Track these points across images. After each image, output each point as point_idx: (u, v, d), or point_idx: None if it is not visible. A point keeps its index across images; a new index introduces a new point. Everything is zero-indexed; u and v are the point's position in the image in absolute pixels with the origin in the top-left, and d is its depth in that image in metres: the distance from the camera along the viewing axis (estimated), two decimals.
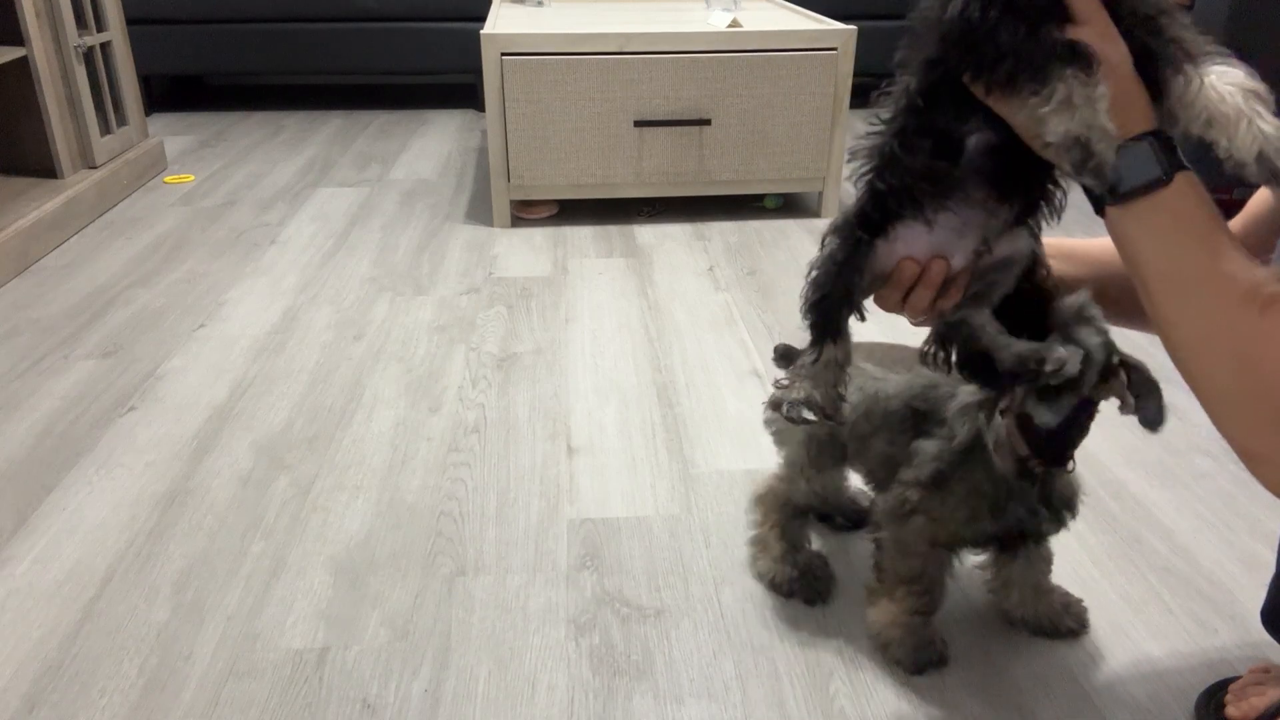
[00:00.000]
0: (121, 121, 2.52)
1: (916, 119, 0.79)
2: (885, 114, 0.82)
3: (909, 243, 0.83)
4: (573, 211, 2.38)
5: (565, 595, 1.11)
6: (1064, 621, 1.05)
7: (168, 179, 2.64)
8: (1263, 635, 0.94)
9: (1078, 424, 0.90)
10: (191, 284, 1.96)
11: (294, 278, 2.00)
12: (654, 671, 1.00)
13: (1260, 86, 0.70)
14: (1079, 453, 0.93)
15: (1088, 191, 0.73)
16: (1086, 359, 0.84)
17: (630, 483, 1.32)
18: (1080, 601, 1.07)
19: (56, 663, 1.01)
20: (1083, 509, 1.24)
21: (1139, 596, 1.10)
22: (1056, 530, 0.98)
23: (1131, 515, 1.25)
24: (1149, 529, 1.22)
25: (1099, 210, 0.73)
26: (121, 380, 1.58)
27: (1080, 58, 0.68)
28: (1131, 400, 0.88)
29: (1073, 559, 1.16)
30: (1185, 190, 0.70)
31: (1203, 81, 0.71)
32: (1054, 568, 1.08)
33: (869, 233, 0.83)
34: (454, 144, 3.04)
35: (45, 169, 2.27)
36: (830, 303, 0.85)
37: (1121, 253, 0.73)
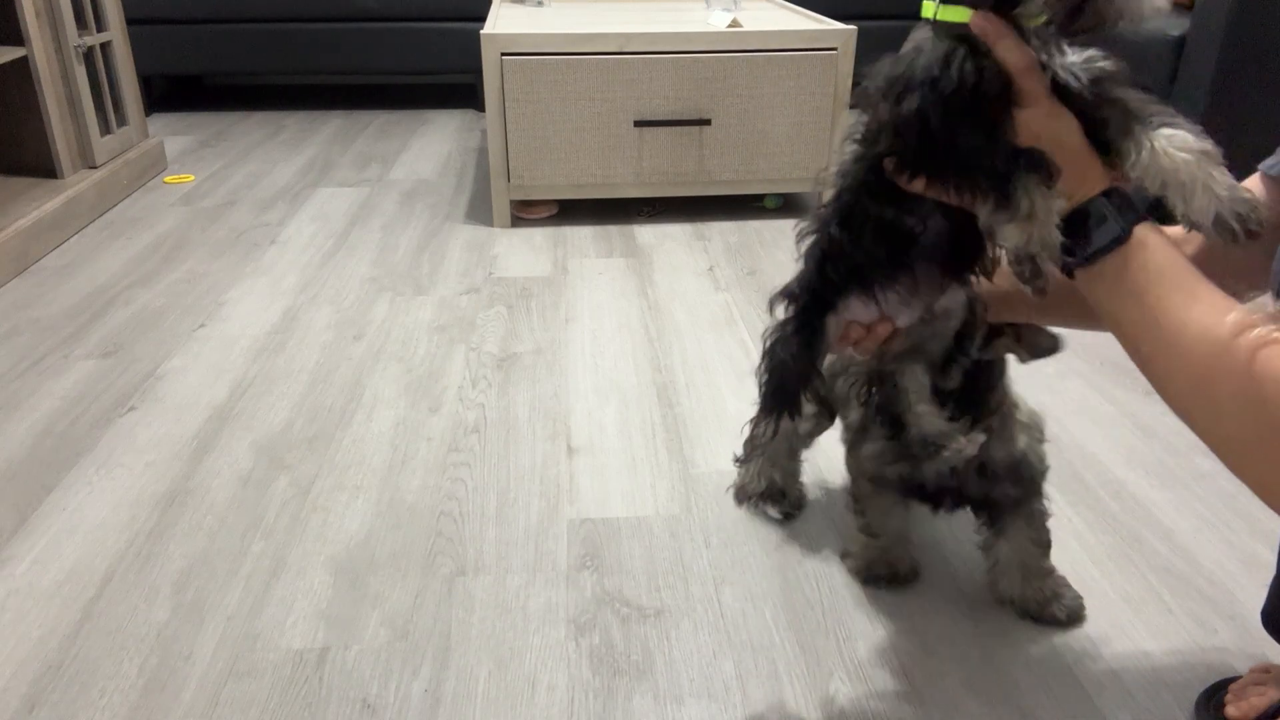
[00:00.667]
0: (121, 121, 2.52)
1: (863, 205, 0.81)
2: (830, 188, 0.84)
3: (856, 312, 0.88)
4: (573, 211, 2.38)
5: (565, 595, 1.11)
6: (1050, 608, 1.06)
7: (168, 179, 2.64)
8: (1263, 635, 0.94)
9: (978, 385, 0.95)
10: (191, 284, 1.97)
11: (294, 278, 2.00)
12: (654, 671, 1.00)
13: (1209, 146, 0.71)
14: (1079, 450, 0.93)
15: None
16: (970, 307, 0.90)
17: (630, 483, 1.32)
18: (1079, 597, 1.08)
19: (56, 663, 1.01)
20: (1083, 509, 1.25)
21: (1139, 596, 1.10)
22: (1015, 502, 1.02)
23: (1131, 515, 1.25)
24: (1149, 529, 1.22)
25: (1069, 274, 0.73)
26: (121, 380, 1.58)
27: (1042, 168, 0.70)
28: (1024, 353, 0.94)
29: (1073, 559, 1.16)
30: (1146, 239, 0.70)
31: (1153, 146, 0.72)
32: (1057, 567, 1.08)
33: (820, 313, 0.87)
34: (454, 144, 3.04)
35: (45, 169, 2.27)
36: (788, 390, 0.91)
37: (1100, 314, 0.73)
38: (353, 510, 1.26)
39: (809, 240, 0.87)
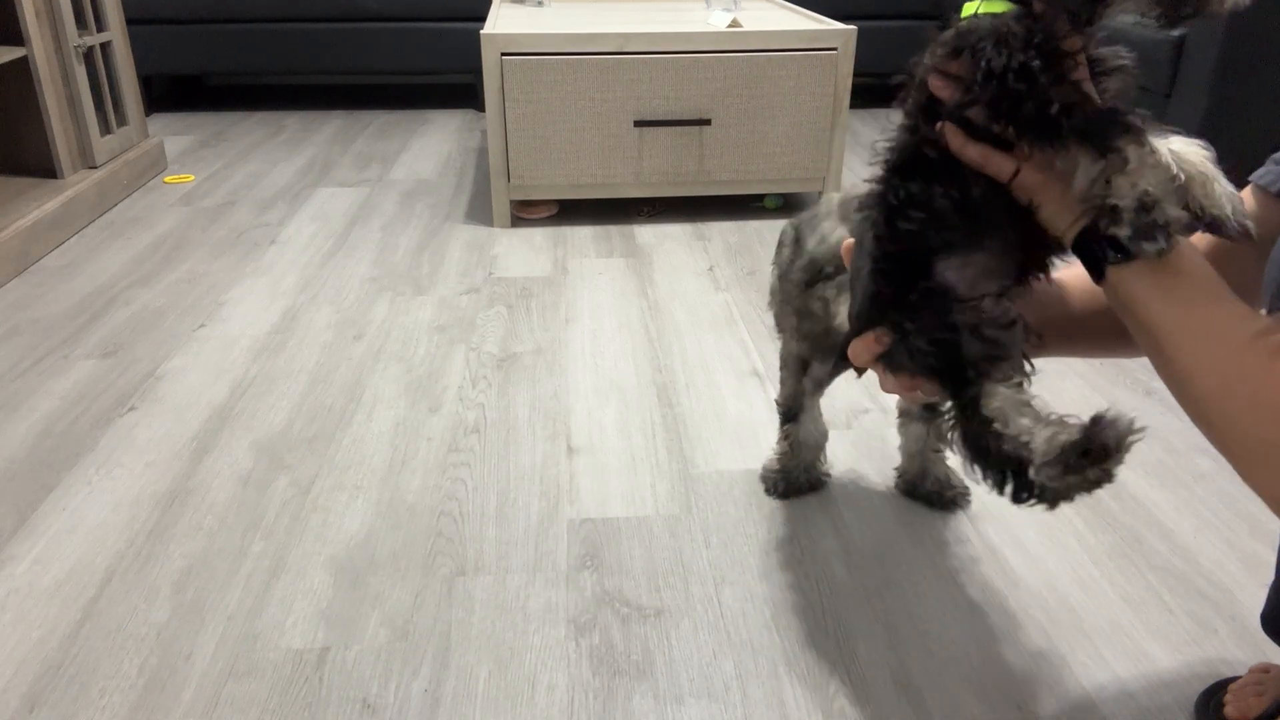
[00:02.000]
0: (121, 121, 2.52)
1: (931, 167, 0.79)
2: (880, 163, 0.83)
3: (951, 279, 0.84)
4: (573, 211, 2.38)
5: (565, 595, 1.11)
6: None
7: (168, 179, 2.64)
8: (1263, 635, 0.94)
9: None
10: (191, 284, 1.97)
11: (294, 278, 2.00)
12: (654, 671, 1.00)
13: (1212, 154, 0.72)
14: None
15: (1087, 258, 0.73)
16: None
17: (630, 483, 1.32)
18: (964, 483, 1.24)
19: (56, 663, 1.01)
20: (1083, 509, 1.25)
21: (1139, 596, 1.10)
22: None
23: (1131, 515, 1.25)
24: (1149, 529, 1.22)
25: (1099, 277, 0.73)
26: (121, 380, 1.58)
27: (1135, 127, 0.69)
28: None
29: (1073, 559, 1.16)
30: (1182, 243, 0.71)
31: (1170, 148, 0.72)
32: (1053, 567, 1.08)
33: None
34: (454, 144, 3.04)
35: (45, 169, 2.27)
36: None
37: (1128, 315, 0.73)
38: (353, 510, 1.26)
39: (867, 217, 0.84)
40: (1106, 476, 0.75)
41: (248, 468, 1.35)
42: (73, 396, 1.53)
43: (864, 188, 0.87)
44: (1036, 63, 0.71)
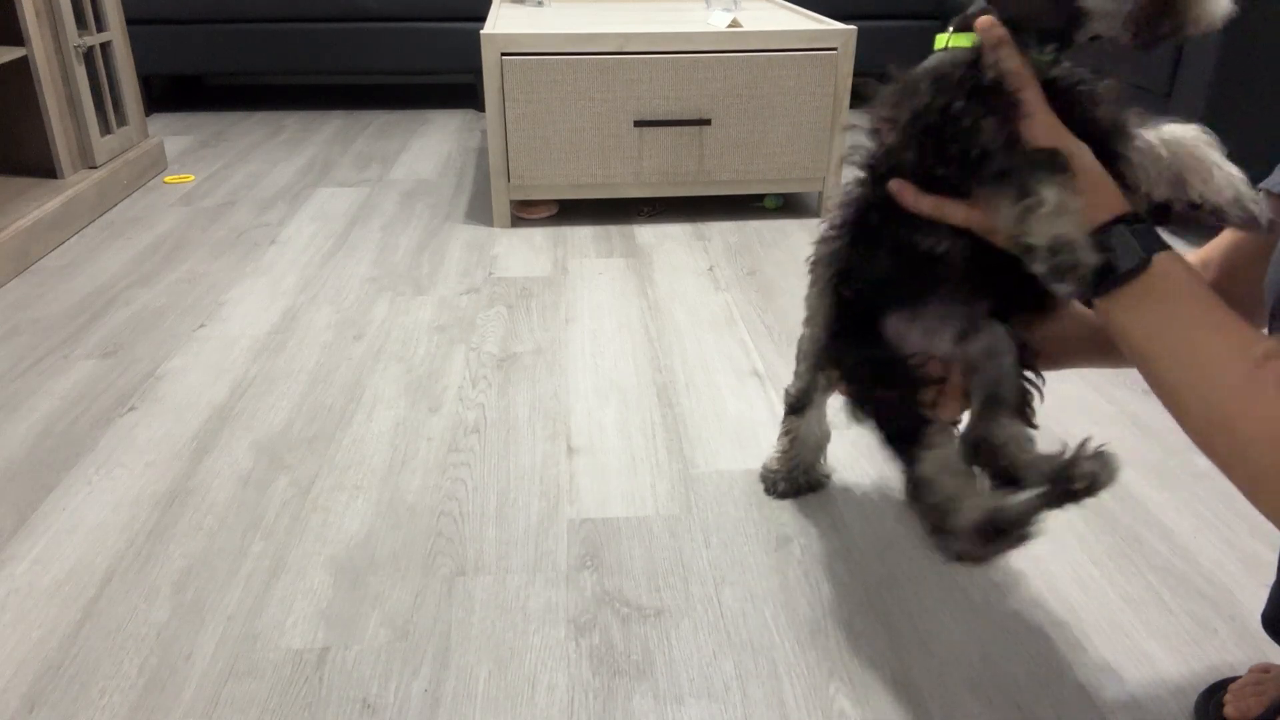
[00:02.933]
0: (121, 121, 2.52)
1: (873, 231, 0.80)
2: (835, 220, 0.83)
3: (901, 333, 0.86)
4: (573, 211, 2.38)
5: (565, 595, 1.11)
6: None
7: (168, 179, 2.64)
8: (1263, 635, 0.94)
9: None
10: (191, 284, 1.97)
11: (294, 278, 2.00)
12: (654, 671, 1.00)
13: (1214, 138, 0.70)
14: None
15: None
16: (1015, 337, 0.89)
17: (630, 483, 1.32)
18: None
19: (56, 663, 1.01)
20: (1083, 509, 1.25)
21: (1139, 596, 1.10)
22: None
23: (1131, 515, 1.25)
24: (1149, 529, 1.22)
25: (1089, 304, 0.72)
26: (121, 380, 1.58)
27: (1060, 166, 0.69)
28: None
29: (1073, 559, 1.16)
30: (1169, 269, 0.68)
31: (1162, 139, 0.70)
32: (1053, 567, 1.08)
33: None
34: (454, 144, 3.04)
35: (45, 169, 2.27)
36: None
37: (1121, 345, 0.71)
38: (353, 510, 1.26)
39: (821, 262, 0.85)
40: (1022, 542, 0.81)
41: (248, 468, 1.35)
42: (73, 396, 1.53)
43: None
44: (958, 104, 0.71)
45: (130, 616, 1.07)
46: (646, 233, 2.28)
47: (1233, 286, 0.81)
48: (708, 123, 2.24)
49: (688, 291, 1.95)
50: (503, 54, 2.12)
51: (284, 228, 2.29)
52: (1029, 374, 0.89)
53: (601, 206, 2.39)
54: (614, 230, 2.30)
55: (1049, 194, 0.68)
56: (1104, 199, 0.71)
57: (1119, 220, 0.70)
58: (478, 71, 2.30)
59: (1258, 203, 0.68)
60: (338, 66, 3.31)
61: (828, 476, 1.31)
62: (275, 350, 1.68)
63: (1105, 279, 0.70)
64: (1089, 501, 1.26)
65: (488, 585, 1.12)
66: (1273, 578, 0.92)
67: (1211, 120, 2.27)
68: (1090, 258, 0.68)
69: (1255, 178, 0.81)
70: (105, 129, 2.43)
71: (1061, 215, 0.68)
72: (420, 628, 1.06)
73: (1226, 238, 0.87)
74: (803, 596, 1.11)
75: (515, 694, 0.97)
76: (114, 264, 2.06)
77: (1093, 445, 0.85)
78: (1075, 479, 0.83)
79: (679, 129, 2.24)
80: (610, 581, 1.13)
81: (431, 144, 3.04)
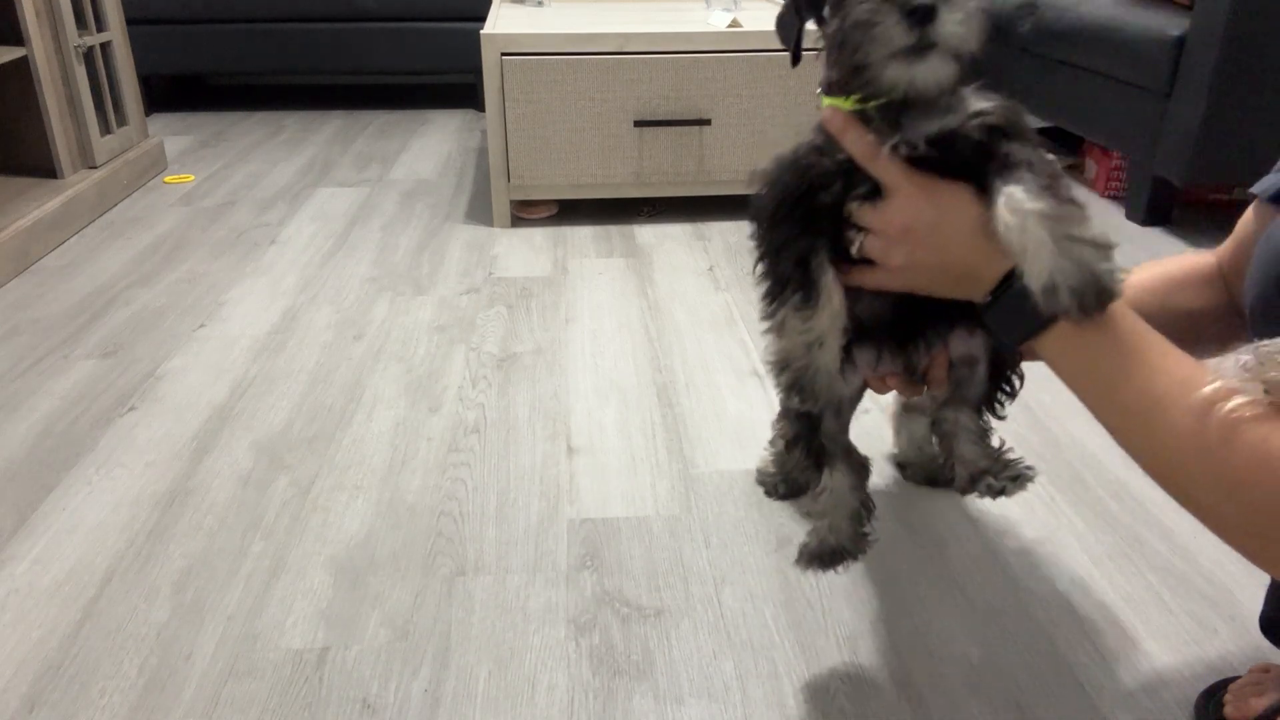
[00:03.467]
0: (121, 121, 2.52)
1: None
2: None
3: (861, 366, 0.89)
4: (573, 211, 2.38)
5: (565, 595, 1.11)
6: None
7: (168, 179, 2.64)
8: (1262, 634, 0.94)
9: None
10: (191, 284, 1.97)
11: (294, 278, 2.00)
12: (654, 671, 1.00)
13: (1058, 206, 0.66)
14: (1079, 450, 0.93)
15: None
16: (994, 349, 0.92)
17: (630, 483, 1.32)
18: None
19: (56, 663, 1.01)
20: (1083, 509, 1.25)
21: (1139, 596, 1.10)
22: None
23: (1131, 515, 1.25)
24: (1149, 529, 1.22)
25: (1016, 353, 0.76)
26: (121, 380, 1.58)
27: (806, 286, 0.75)
28: None
29: (1073, 559, 1.16)
30: (1087, 352, 0.67)
31: (998, 204, 0.68)
32: (1053, 567, 1.08)
33: None
34: (454, 144, 3.04)
35: (45, 169, 2.27)
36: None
37: (1064, 382, 0.71)
38: (353, 510, 1.26)
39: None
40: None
41: (248, 468, 1.35)
42: (73, 396, 1.53)
43: None
44: (823, 195, 0.74)
45: (130, 616, 1.07)
46: (646, 233, 2.28)
47: (1237, 280, 0.82)
48: (708, 123, 2.24)
49: (688, 291, 1.95)
50: (503, 54, 2.12)
51: (284, 228, 2.29)
52: (1004, 378, 0.91)
53: (601, 206, 2.39)
54: (614, 230, 2.30)
55: (779, 314, 0.75)
56: (987, 256, 0.69)
57: (1007, 280, 0.69)
58: (478, 71, 2.30)
59: (1103, 288, 0.64)
60: (338, 66, 3.31)
61: None
62: (275, 350, 1.68)
63: (1011, 337, 0.71)
64: (1090, 501, 1.27)
65: (488, 585, 1.12)
66: (1269, 583, 0.92)
67: (1212, 120, 2.27)
68: (992, 322, 0.70)
69: (1258, 176, 0.81)
70: (105, 129, 2.43)
71: (781, 335, 0.76)
72: (420, 628, 1.06)
73: (1244, 227, 0.87)
74: (803, 596, 1.11)
75: (515, 694, 0.97)
76: (114, 264, 2.06)
77: (1012, 460, 0.90)
78: (986, 488, 0.89)
79: (679, 129, 2.24)
80: (610, 581, 1.13)
81: (431, 144, 3.04)
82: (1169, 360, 0.64)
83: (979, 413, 0.91)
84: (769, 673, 1.00)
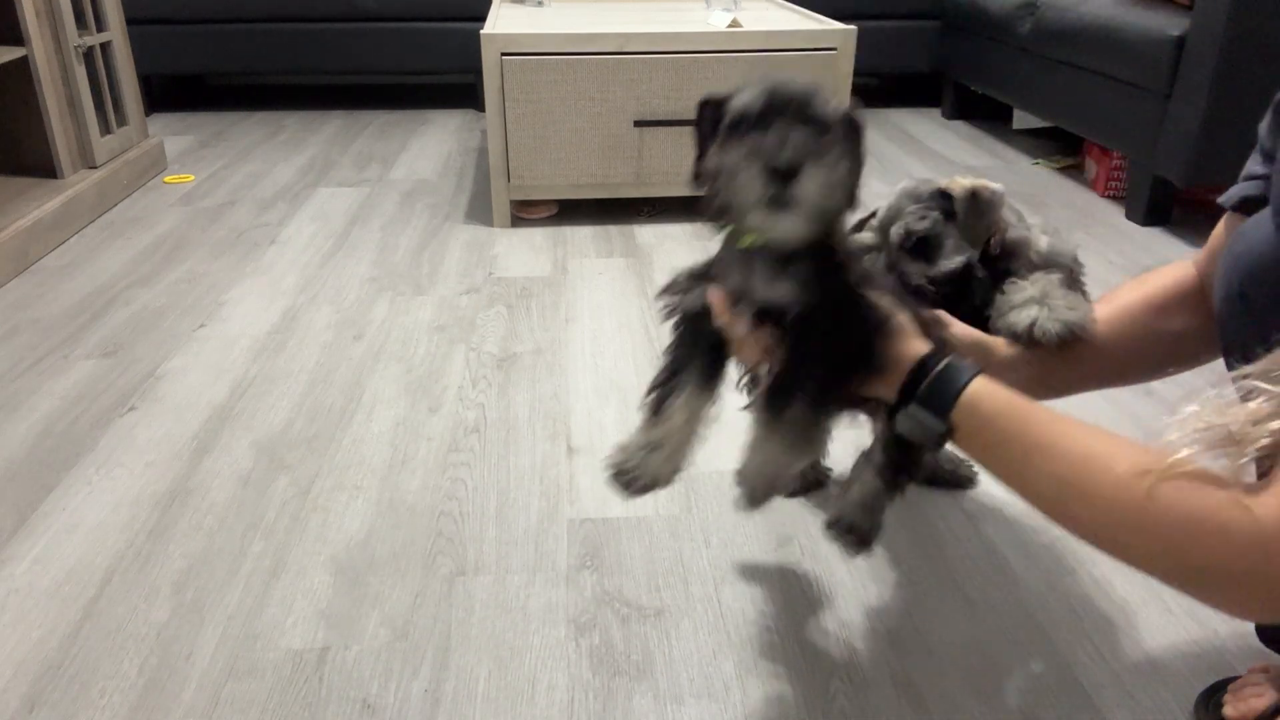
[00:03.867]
0: (121, 121, 2.52)
1: None
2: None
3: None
4: (573, 211, 2.38)
5: (565, 595, 1.11)
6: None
7: (168, 179, 2.64)
8: None
9: None
10: (191, 284, 1.97)
11: (294, 278, 2.00)
12: (654, 671, 1.00)
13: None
14: None
15: None
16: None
17: None
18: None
19: (56, 663, 1.01)
20: None
21: (1139, 596, 1.10)
22: None
23: None
24: None
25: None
26: (121, 380, 1.58)
27: (661, 399, 0.90)
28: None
29: (1073, 559, 1.16)
30: (981, 421, 0.72)
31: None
32: (1053, 567, 1.08)
33: None
34: (454, 144, 3.04)
35: (45, 169, 2.27)
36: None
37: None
38: (353, 510, 1.26)
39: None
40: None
41: (248, 468, 1.35)
42: (73, 396, 1.53)
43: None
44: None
45: (130, 616, 1.07)
46: (646, 233, 2.28)
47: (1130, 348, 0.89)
48: None
49: None
50: (503, 54, 2.12)
51: (284, 228, 2.29)
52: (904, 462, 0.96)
53: (601, 206, 2.39)
54: (614, 230, 2.30)
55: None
56: (897, 370, 0.76)
57: (909, 388, 0.75)
58: (478, 71, 2.30)
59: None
60: (338, 66, 3.31)
61: (828, 475, 1.31)
62: (275, 350, 1.68)
63: (924, 442, 0.76)
64: None
65: (488, 585, 1.12)
66: None
67: (1212, 120, 2.27)
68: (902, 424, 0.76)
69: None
70: (105, 129, 2.43)
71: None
72: (420, 628, 1.06)
73: (1216, 239, 0.88)
74: (803, 596, 1.11)
75: (515, 694, 0.97)
76: (114, 264, 2.06)
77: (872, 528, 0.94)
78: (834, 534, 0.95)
79: (679, 129, 2.24)
80: (610, 581, 1.13)
81: (431, 144, 3.04)
82: (1072, 439, 0.69)
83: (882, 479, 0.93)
84: (769, 673, 1.00)
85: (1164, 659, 1.01)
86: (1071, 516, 0.69)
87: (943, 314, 0.93)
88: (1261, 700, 0.89)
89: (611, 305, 1.88)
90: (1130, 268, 2.03)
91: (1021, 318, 0.91)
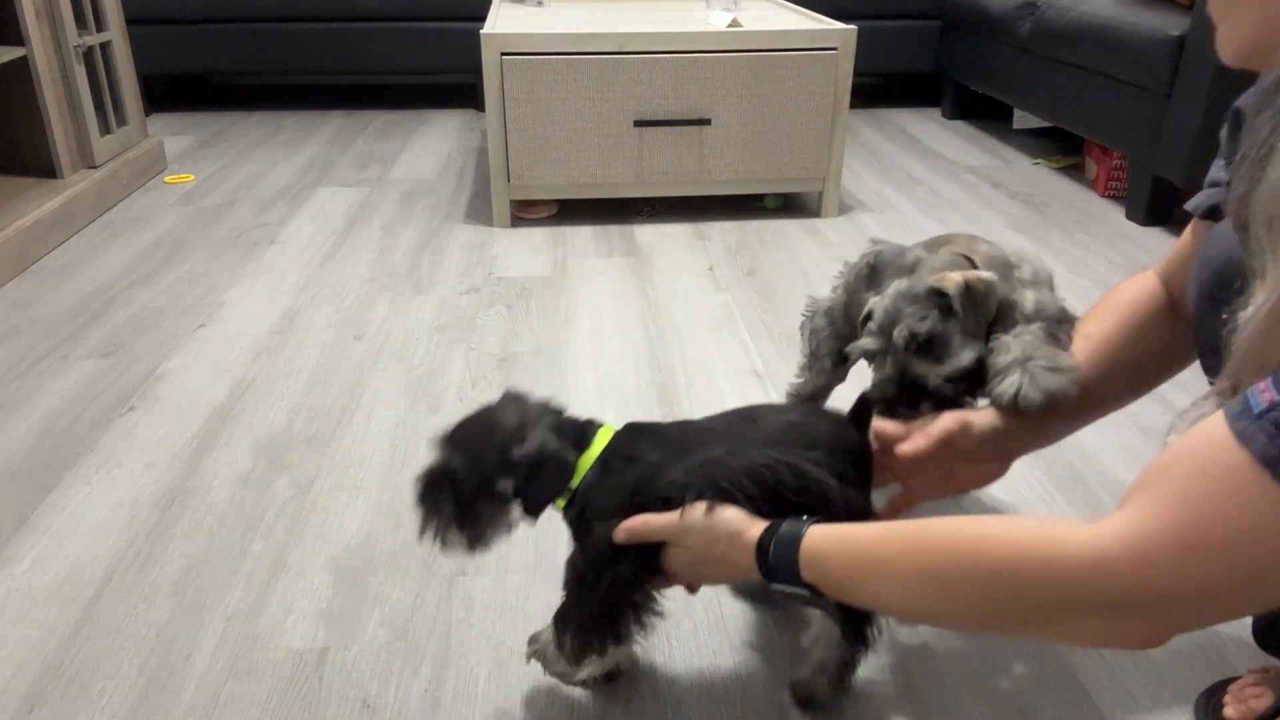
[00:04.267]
0: (121, 121, 2.52)
1: None
2: None
3: None
4: (573, 211, 2.38)
5: None
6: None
7: (168, 179, 2.64)
8: None
9: None
10: (191, 284, 1.97)
11: (294, 278, 2.00)
12: (654, 671, 1.00)
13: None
14: (1079, 450, 0.93)
15: None
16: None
17: None
18: None
19: (56, 663, 1.01)
20: (1083, 509, 1.25)
21: None
22: None
23: None
24: None
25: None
26: (121, 380, 1.58)
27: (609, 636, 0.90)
28: None
29: None
30: (824, 566, 0.76)
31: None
32: None
33: None
34: (454, 144, 3.04)
35: (45, 169, 2.27)
36: None
37: None
38: (353, 510, 1.26)
39: None
40: None
41: (248, 468, 1.35)
42: (73, 396, 1.53)
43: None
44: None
45: (130, 616, 1.07)
46: (646, 233, 2.28)
47: (1183, 296, 0.87)
48: (708, 122, 2.24)
49: (688, 291, 1.95)
50: (503, 54, 2.12)
51: (284, 228, 2.29)
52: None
53: (601, 206, 2.39)
54: (614, 230, 2.30)
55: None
56: (737, 561, 0.81)
57: (763, 571, 0.80)
58: (478, 71, 2.30)
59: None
60: (338, 66, 3.31)
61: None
62: (275, 350, 1.68)
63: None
64: (1090, 501, 1.27)
65: (488, 585, 1.12)
66: None
67: (1212, 121, 2.27)
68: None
69: None
70: (105, 129, 2.43)
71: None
72: (420, 628, 1.06)
73: (1182, 245, 0.91)
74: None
75: (515, 694, 0.97)
76: (114, 264, 2.06)
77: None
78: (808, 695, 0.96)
79: (679, 129, 2.24)
80: None
81: (431, 144, 3.04)
82: (899, 529, 0.73)
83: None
84: (769, 673, 1.00)
85: (1164, 659, 1.01)
86: (929, 614, 0.75)
87: (960, 414, 0.94)
88: (1261, 701, 0.89)
89: (611, 305, 1.88)
90: (1130, 268, 2.03)
91: (1005, 387, 0.92)
